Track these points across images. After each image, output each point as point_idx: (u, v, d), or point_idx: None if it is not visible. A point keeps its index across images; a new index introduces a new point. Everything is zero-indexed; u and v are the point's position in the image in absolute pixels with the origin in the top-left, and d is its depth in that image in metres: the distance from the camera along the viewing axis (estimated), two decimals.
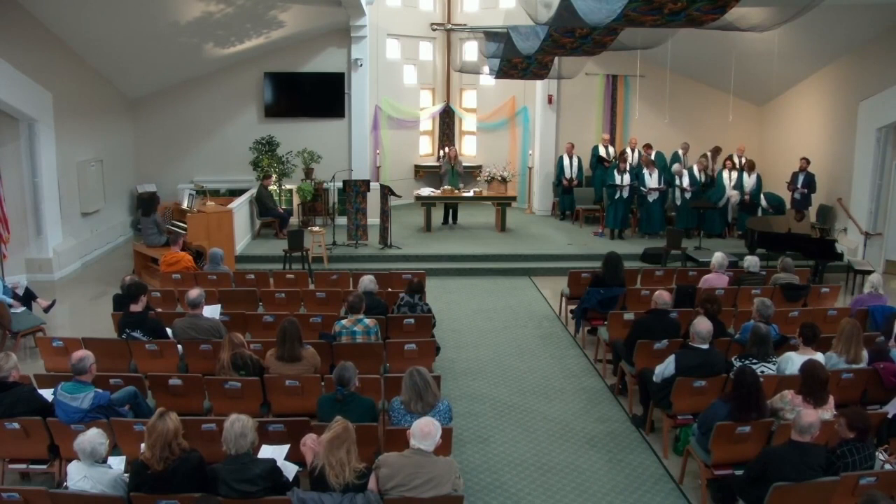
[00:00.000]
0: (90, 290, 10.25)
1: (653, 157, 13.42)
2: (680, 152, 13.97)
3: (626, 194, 12.67)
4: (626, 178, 12.69)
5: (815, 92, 13.12)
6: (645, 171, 12.85)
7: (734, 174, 13.01)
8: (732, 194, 12.52)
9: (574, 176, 14.28)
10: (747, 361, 5.64)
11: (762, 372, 5.59)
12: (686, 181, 12.78)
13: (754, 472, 4.39)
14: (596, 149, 14.45)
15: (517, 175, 15.69)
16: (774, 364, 5.72)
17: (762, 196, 12.70)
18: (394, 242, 12.03)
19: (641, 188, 12.71)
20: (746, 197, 12.72)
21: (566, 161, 14.26)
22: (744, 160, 13.23)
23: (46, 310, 8.42)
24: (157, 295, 7.97)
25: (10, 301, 7.95)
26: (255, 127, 14.13)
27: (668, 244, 11.40)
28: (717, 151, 13.95)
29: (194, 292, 6.43)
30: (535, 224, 14.16)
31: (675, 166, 13.08)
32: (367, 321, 6.30)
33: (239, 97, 14.26)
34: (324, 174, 13.43)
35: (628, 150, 13.79)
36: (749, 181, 12.74)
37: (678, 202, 12.87)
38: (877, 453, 4.73)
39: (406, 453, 4.04)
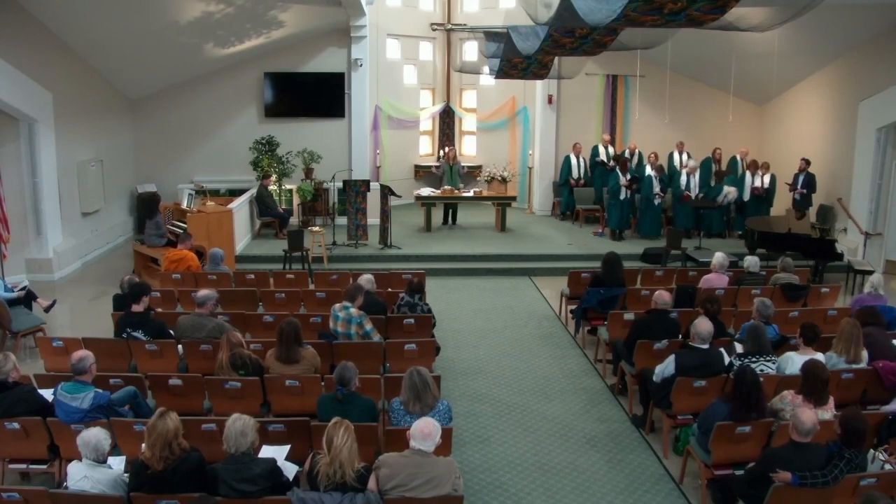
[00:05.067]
0: (90, 290, 10.25)
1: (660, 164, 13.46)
2: (676, 153, 14.00)
3: (628, 195, 12.68)
4: (628, 176, 12.71)
5: (815, 92, 13.12)
6: (653, 174, 12.79)
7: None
8: (730, 191, 12.50)
9: (581, 176, 14.29)
10: (746, 360, 5.65)
11: (762, 371, 5.60)
12: (695, 181, 12.79)
13: (756, 474, 4.39)
14: (595, 149, 14.43)
15: (517, 175, 15.70)
16: (773, 362, 5.72)
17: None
18: (394, 242, 12.03)
19: (654, 193, 12.66)
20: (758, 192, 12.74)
21: (573, 161, 14.25)
22: (747, 161, 13.24)
23: (47, 310, 8.41)
24: (156, 295, 7.96)
25: (10, 296, 7.95)
26: (255, 127, 14.14)
27: (668, 244, 11.40)
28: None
29: (202, 292, 6.46)
30: (535, 224, 14.16)
31: (692, 163, 13.07)
32: (352, 310, 6.32)
33: (239, 97, 14.26)
34: (324, 174, 13.43)
35: (627, 154, 13.79)
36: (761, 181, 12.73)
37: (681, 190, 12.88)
38: (877, 453, 4.73)
39: (406, 453, 4.04)
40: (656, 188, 12.66)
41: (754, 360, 5.67)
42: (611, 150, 14.43)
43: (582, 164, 14.28)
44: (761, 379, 5.02)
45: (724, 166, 13.85)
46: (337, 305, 6.44)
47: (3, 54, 9.38)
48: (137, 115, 14.04)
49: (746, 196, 12.74)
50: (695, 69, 14.20)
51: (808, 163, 12.24)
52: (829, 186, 12.37)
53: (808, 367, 5.00)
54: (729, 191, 12.43)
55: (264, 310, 7.83)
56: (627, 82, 15.01)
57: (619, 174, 12.68)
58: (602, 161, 14.14)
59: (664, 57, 12.10)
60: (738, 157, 13.55)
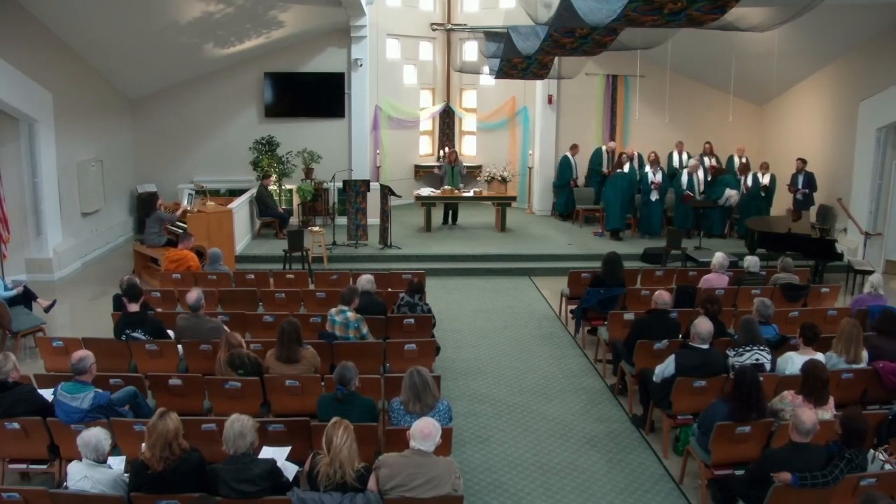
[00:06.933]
0: (90, 290, 10.25)
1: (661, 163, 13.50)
2: (676, 153, 14.02)
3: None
4: (626, 168, 13.08)
5: (815, 92, 13.12)
6: (649, 169, 12.89)
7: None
8: (732, 194, 12.52)
9: (576, 175, 14.35)
10: (740, 350, 5.72)
11: (756, 360, 5.64)
12: (697, 180, 12.80)
13: (756, 474, 4.39)
14: (599, 153, 14.40)
15: (517, 175, 15.70)
16: (767, 352, 5.76)
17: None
18: (394, 242, 12.03)
19: (650, 183, 12.73)
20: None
21: (573, 162, 14.27)
22: (744, 160, 13.27)
23: (47, 310, 8.41)
24: (156, 295, 7.97)
25: (10, 294, 7.96)
26: (255, 127, 14.14)
27: (668, 244, 11.40)
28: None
29: (193, 295, 6.42)
30: (535, 224, 14.17)
31: (693, 161, 13.14)
32: (349, 314, 6.32)
33: (239, 97, 14.26)
34: (324, 174, 13.43)
35: (626, 158, 13.78)
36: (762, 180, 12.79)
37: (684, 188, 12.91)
38: (877, 453, 4.73)
39: (406, 453, 4.04)
40: (652, 178, 12.73)
41: (748, 349, 5.72)
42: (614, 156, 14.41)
43: (577, 164, 14.31)
44: (761, 379, 5.03)
45: (715, 161, 13.84)
46: (333, 310, 6.43)
47: (3, 54, 9.38)
48: (137, 115, 14.04)
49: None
50: (695, 69, 14.20)
51: (804, 162, 12.23)
52: (829, 186, 12.37)
53: (808, 367, 5.00)
54: (731, 194, 12.44)
55: (264, 310, 7.83)
56: (627, 82, 15.00)
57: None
58: (607, 171, 14.08)
59: (664, 57, 12.10)
60: (736, 156, 13.56)
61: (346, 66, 14.14)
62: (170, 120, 14.12)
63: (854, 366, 5.72)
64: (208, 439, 4.68)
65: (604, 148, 14.47)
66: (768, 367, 5.74)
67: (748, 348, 5.72)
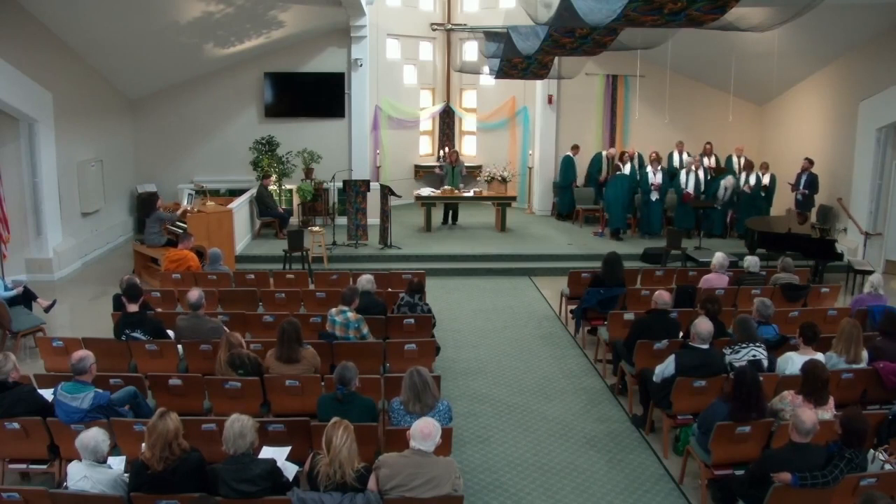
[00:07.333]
0: (90, 290, 10.25)
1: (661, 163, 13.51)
2: (676, 153, 14.04)
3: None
4: (627, 168, 13.13)
5: (815, 92, 13.12)
6: (649, 169, 12.91)
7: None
8: (728, 179, 12.44)
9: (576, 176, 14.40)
10: (736, 347, 5.74)
11: (754, 356, 5.66)
12: (700, 175, 12.85)
13: (756, 474, 4.39)
14: (599, 157, 14.40)
15: (517, 175, 15.70)
16: (763, 348, 5.77)
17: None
18: (394, 242, 12.04)
19: (650, 184, 12.74)
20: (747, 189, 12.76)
21: (577, 163, 14.29)
22: (743, 160, 13.27)
23: (47, 310, 8.41)
24: (156, 295, 7.97)
25: (10, 294, 7.96)
26: (255, 127, 14.14)
27: (668, 244, 11.41)
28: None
29: (194, 294, 6.42)
30: (535, 224, 14.17)
31: (689, 159, 13.25)
32: (350, 314, 6.33)
33: (239, 97, 14.27)
34: (324, 174, 13.44)
35: (626, 158, 13.79)
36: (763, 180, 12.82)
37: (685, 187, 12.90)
38: (877, 453, 4.73)
39: (406, 453, 4.04)
40: (652, 179, 12.73)
41: (744, 346, 5.74)
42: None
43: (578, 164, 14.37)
44: (761, 379, 5.03)
45: (714, 161, 13.85)
46: (334, 310, 6.43)
47: (3, 54, 9.38)
48: (137, 115, 14.04)
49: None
50: (695, 69, 14.20)
51: (811, 162, 12.21)
52: (830, 186, 12.36)
53: (808, 367, 5.00)
54: (727, 180, 12.40)
55: (264, 310, 7.83)
56: (627, 82, 15.01)
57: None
58: (603, 179, 14.07)
59: (664, 57, 12.10)
60: (734, 156, 13.56)
61: (346, 66, 14.14)
62: (170, 120, 14.12)
63: (854, 366, 5.72)
64: (208, 439, 4.68)
65: (604, 153, 14.46)
66: (765, 363, 5.75)
67: (744, 346, 5.74)
